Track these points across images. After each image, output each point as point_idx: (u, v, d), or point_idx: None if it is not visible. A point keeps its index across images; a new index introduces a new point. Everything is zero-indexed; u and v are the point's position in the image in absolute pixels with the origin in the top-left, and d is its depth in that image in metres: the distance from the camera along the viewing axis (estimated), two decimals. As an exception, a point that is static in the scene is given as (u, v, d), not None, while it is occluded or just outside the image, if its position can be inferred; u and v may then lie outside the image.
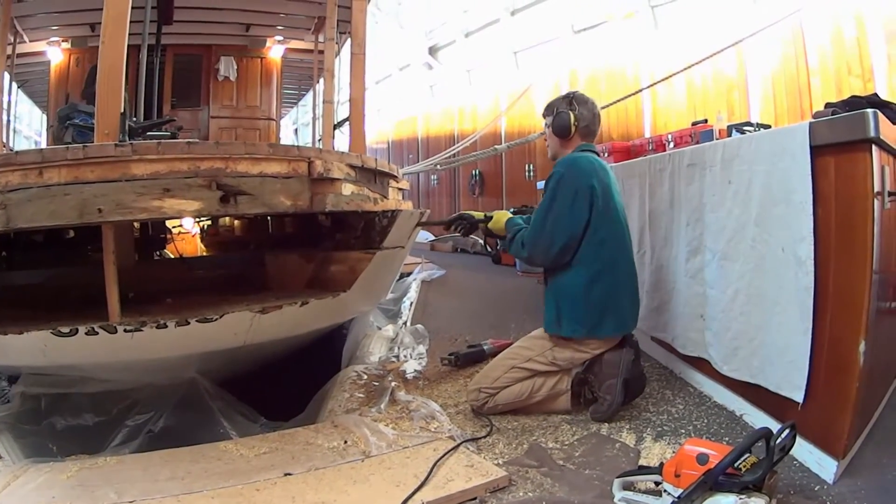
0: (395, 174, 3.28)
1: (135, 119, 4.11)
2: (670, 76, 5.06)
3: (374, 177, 2.91)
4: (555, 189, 2.59)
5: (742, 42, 4.94)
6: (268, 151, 2.37)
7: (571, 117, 2.76)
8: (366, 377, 3.01)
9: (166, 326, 2.36)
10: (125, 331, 2.31)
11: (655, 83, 5.26)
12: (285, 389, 3.09)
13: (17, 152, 2.17)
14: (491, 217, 2.89)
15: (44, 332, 2.26)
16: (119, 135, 2.48)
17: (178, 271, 4.02)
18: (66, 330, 2.26)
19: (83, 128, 4.21)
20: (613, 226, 2.61)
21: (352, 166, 2.66)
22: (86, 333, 2.29)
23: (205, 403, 2.61)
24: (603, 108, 5.67)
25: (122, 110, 2.53)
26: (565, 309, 2.59)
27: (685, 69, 4.85)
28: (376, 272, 3.00)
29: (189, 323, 2.39)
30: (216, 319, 2.44)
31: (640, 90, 5.46)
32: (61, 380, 2.58)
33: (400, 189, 3.53)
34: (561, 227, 2.55)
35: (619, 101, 5.44)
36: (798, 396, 1.95)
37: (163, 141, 2.38)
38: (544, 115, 2.91)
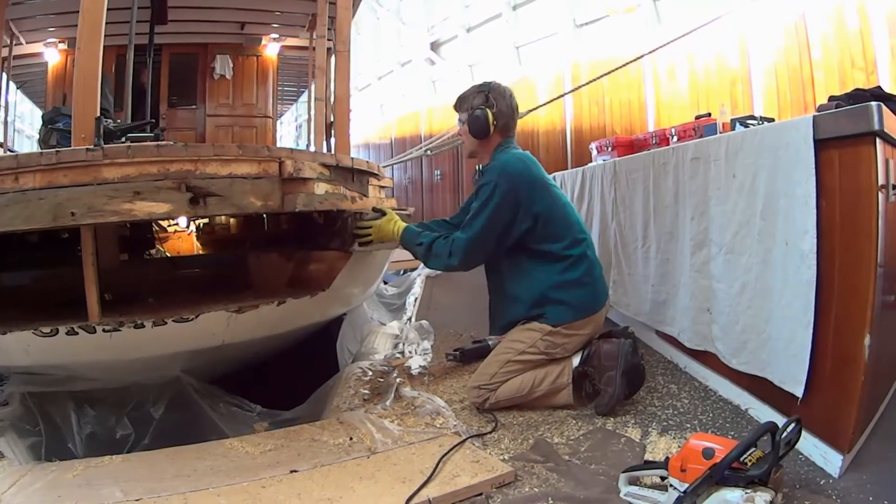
0: (376, 172, 3.29)
1: (118, 121, 4.13)
2: (667, 43, 5.03)
3: (351, 175, 2.91)
4: (490, 197, 2.57)
5: (740, 26, 4.95)
6: (237, 152, 2.40)
7: (489, 115, 2.69)
8: (371, 373, 3.01)
9: (144, 326, 2.39)
10: (104, 331, 2.34)
11: (655, 49, 5.20)
12: (283, 379, 3.11)
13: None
14: (380, 216, 2.84)
15: (26, 333, 2.30)
16: (94, 138, 2.50)
17: (164, 271, 4.06)
18: (47, 330, 2.30)
19: (66, 132, 4.23)
20: (564, 214, 2.69)
21: (326, 165, 2.67)
22: (66, 333, 2.32)
23: (193, 401, 2.64)
24: (603, 76, 5.71)
25: (98, 114, 2.55)
26: (546, 299, 2.62)
27: (681, 37, 4.82)
28: (356, 271, 3.01)
29: (166, 323, 2.42)
30: (192, 319, 2.46)
31: (640, 57, 5.40)
32: (48, 379, 2.60)
33: (382, 187, 3.54)
34: (492, 233, 2.59)
35: (617, 69, 5.42)
36: (798, 391, 1.95)
37: (133, 144, 2.41)
38: (458, 109, 2.82)
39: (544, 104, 6.64)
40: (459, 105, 2.81)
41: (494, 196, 2.56)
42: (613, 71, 5.39)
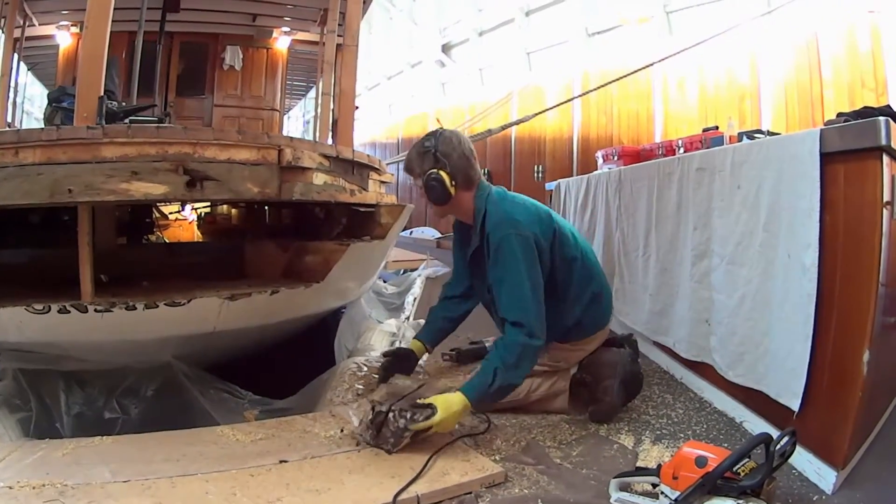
0: (377, 166, 3.27)
1: (124, 103, 4.14)
2: (676, 53, 5.04)
3: (351, 168, 2.90)
4: (516, 260, 2.22)
5: (751, 43, 4.95)
6: (236, 138, 2.41)
7: (444, 178, 2.29)
8: (366, 369, 3.00)
9: (135, 308, 2.38)
10: (95, 310, 2.34)
11: (664, 59, 5.22)
12: (277, 369, 3.12)
13: (-5, 132, 2.24)
14: (434, 411, 2.07)
15: (19, 309, 2.30)
16: (97, 117, 2.51)
17: (161, 256, 4.05)
18: (39, 307, 2.31)
19: (70, 111, 4.25)
20: (577, 249, 2.49)
21: (325, 156, 2.67)
22: (58, 312, 2.32)
23: (183, 386, 2.63)
24: (612, 82, 5.70)
25: (102, 94, 2.56)
26: (557, 328, 2.43)
27: (690, 47, 4.85)
28: (353, 264, 2.98)
29: (158, 306, 2.41)
30: (185, 304, 2.46)
31: (650, 64, 5.40)
32: (40, 357, 2.60)
33: (383, 182, 3.53)
34: (540, 291, 2.25)
35: (627, 76, 5.43)
36: (794, 404, 1.93)
37: (133, 124, 2.41)
38: (409, 174, 2.43)
39: (551, 108, 6.66)
40: (409, 170, 2.42)
41: (518, 257, 2.22)
42: (623, 77, 5.41)
